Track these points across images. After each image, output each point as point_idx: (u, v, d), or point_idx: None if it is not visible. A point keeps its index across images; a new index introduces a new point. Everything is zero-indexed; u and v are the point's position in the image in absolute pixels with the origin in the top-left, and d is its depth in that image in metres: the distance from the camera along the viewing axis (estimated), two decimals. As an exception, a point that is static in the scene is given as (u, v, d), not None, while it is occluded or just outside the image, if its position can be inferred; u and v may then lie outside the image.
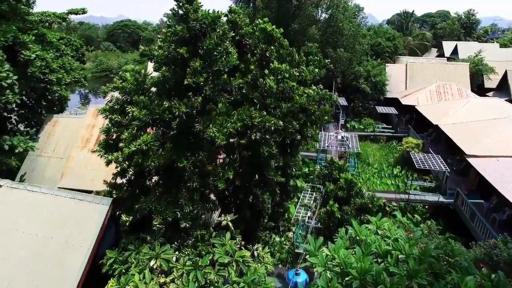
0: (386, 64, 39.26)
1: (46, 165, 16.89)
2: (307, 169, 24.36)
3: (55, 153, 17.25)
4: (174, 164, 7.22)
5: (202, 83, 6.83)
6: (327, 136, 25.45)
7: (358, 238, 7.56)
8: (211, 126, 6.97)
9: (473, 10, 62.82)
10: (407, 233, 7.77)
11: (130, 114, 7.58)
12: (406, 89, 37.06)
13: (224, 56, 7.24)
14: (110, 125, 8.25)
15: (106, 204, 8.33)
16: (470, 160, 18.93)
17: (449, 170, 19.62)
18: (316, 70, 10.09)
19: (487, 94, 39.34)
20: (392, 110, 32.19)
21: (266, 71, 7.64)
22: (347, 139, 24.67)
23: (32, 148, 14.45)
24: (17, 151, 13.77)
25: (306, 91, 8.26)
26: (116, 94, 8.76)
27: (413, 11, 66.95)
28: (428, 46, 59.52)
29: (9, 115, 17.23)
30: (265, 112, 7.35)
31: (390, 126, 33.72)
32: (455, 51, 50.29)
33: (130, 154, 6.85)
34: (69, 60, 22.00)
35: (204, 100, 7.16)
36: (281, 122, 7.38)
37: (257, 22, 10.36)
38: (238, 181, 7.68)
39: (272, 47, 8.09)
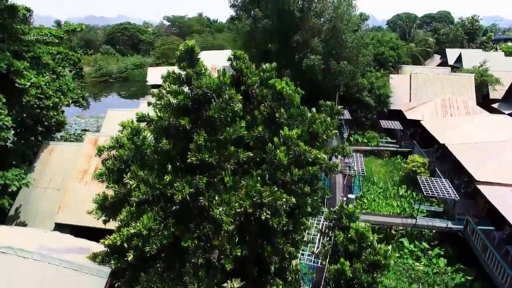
0: (390, 76, 38.63)
1: (41, 197, 16.26)
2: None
3: (52, 184, 16.63)
4: (177, 242, 6.63)
5: (207, 160, 6.22)
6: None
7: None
8: (217, 205, 6.37)
9: (477, 16, 62.21)
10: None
11: (127, 186, 6.99)
12: (410, 101, 36.47)
13: (231, 126, 6.64)
14: (104, 194, 7.71)
15: (104, 277, 7.74)
16: (480, 188, 18.33)
17: (458, 198, 18.99)
18: (328, 119, 9.47)
19: (492, 105, 38.78)
20: (397, 125, 31.58)
21: (276, 140, 7.01)
22: (352, 160, 24.05)
23: (27, 185, 13.83)
24: (10, 190, 13.14)
25: (319, 156, 7.65)
26: (113, 152, 8.17)
27: (415, 16, 66.24)
28: (430, 53, 58.95)
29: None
30: (275, 187, 6.74)
31: (395, 141, 33.09)
32: (459, 60, 49.65)
33: (129, 236, 6.26)
34: (66, 81, 21.33)
35: (209, 176, 6.56)
36: (293, 199, 6.77)
37: (265, 67, 9.75)
38: (245, 251, 7.05)
39: (282, 110, 7.46)
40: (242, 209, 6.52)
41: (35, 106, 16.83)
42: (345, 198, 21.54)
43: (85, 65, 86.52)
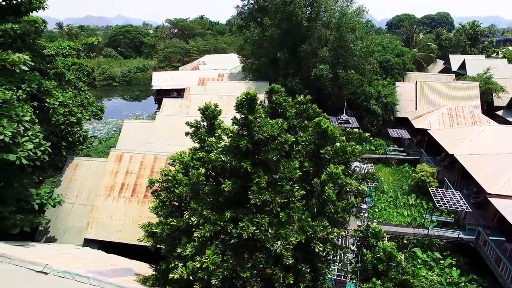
0: (396, 84, 39.23)
1: (69, 212, 16.76)
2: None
3: (78, 199, 17.11)
4: (235, 273, 7.15)
5: (268, 201, 6.74)
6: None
7: None
8: (273, 238, 6.90)
9: (478, 22, 62.93)
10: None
11: (186, 219, 7.49)
12: (416, 109, 37.10)
13: (285, 166, 7.16)
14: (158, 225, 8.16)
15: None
16: (492, 201, 18.91)
17: (470, 210, 19.57)
18: (358, 147, 10.03)
19: (496, 112, 39.46)
20: (404, 134, 32.16)
21: (323, 176, 7.55)
22: (363, 170, 24.58)
23: (60, 203, 14.29)
24: (46, 208, 13.63)
25: (360, 188, 8.21)
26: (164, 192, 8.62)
27: (418, 22, 66.87)
28: (434, 58, 59.56)
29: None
30: (325, 221, 7.28)
31: (402, 149, 33.68)
32: (462, 66, 50.32)
33: (195, 270, 6.77)
34: (86, 95, 21.85)
35: (264, 212, 7.08)
36: (343, 232, 7.31)
37: (300, 100, 10.29)
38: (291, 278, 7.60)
39: (328, 148, 8.00)
40: (296, 242, 7.05)
41: (62, 123, 17.33)
42: (364, 205, 22.05)
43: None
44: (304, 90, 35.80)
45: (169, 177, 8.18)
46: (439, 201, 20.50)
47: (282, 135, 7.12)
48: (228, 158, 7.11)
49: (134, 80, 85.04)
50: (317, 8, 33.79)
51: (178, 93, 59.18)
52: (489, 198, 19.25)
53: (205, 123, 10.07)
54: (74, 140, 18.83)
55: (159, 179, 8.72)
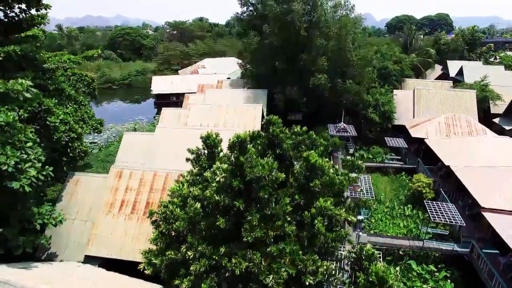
0: (394, 91, 39.55)
1: (70, 228, 17.07)
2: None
3: (79, 215, 17.43)
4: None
5: (260, 237, 7.06)
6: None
7: None
8: (266, 271, 7.20)
9: (477, 27, 63.30)
10: None
11: (183, 253, 7.80)
12: (413, 117, 37.41)
13: (277, 203, 7.48)
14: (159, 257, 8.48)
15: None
16: (486, 215, 19.24)
17: (464, 224, 19.89)
18: (353, 175, 10.34)
19: (493, 119, 39.77)
20: (401, 143, 32.48)
21: (313, 210, 7.88)
22: (359, 182, 24.90)
23: (62, 222, 14.59)
24: (48, 228, 13.93)
25: (349, 218, 8.54)
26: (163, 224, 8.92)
27: (417, 23, 67.15)
28: (432, 63, 59.89)
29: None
30: (315, 255, 7.59)
31: (399, 157, 34.00)
32: (460, 72, 50.66)
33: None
34: (86, 109, 22.16)
35: (256, 247, 7.40)
36: (332, 265, 7.63)
37: (296, 131, 10.60)
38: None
39: (317, 181, 8.32)
40: (288, 276, 7.36)
41: (63, 140, 17.64)
42: (360, 217, 22.34)
43: (88, 72, 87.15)
44: (303, 98, 36.19)
45: (168, 212, 8.49)
46: (434, 214, 20.82)
47: (273, 173, 7.43)
48: (222, 197, 7.43)
49: (134, 84, 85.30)
50: (317, 18, 34.07)
51: (178, 97, 59.55)
52: (483, 213, 19.57)
53: (206, 151, 10.39)
54: (74, 155, 19.14)
55: (158, 210, 9.04)
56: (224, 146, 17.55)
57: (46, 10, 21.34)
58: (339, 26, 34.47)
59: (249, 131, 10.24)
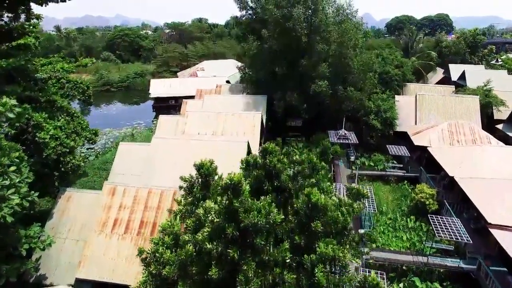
0: (396, 97, 38.87)
1: (61, 248, 16.39)
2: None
3: (71, 234, 16.75)
4: None
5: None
6: (341, 188, 25.04)
7: None
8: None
9: (479, 30, 62.60)
10: None
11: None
12: (416, 123, 36.73)
13: (275, 248, 6.80)
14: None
15: None
16: (494, 232, 18.57)
17: (471, 242, 19.21)
18: (355, 205, 9.67)
19: (496, 126, 39.10)
20: (404, 152, 31.77)
21: (313, 257, 7.19)
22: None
23: (51, 244, 13.89)
24: (35, 253, 13.23)
25: (353, 261, 7.87)
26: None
27: (417, 28, 66.50)
28: (433, 66, 59.20)
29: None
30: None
31: (401, 165, 33.30)
32: (462, 76, 49.96)
33: None
34: (79, 120, 21.44)
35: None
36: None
37: (295, 159, 9.90)
38: None
39: (318, 223, 7.62)
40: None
41: (54, 155, 16.93)
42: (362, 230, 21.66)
43: (86, 74, 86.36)
44: (303, 104, 35.47)
45: (157, 254, 7.79)
46: (438, 229, 20.14)
47: (271, 216, 6.74)
48: (214, 244, 6.73)
49: (132, 86, 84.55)
50: (317, 23, 33.32)
51: (176, 100, 58.88)
52: (491, 229, 18.89)
53: (200, 179, 9.71)
54: (66, 170, 18.43)
55: (149, 250, 8.35)
56: (221, 157, 16.84)
57: (38, 20, 20.68)
58: (340, 32, 33.74)
59: (243, 166, 9.60)
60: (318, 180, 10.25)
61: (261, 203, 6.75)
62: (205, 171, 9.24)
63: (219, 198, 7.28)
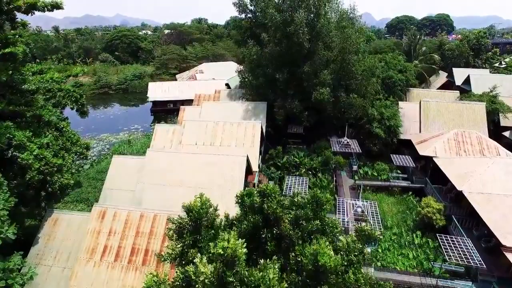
0: (399, 104, 37.74)
1: (46, 276, 15.30)
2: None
3: (57, 261, 15.65)
4: None
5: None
6: (345, 204, 23.98)
7: None
8: None
9: (482, 33, 61.38)
10: None
11: None
12: (420, 131, 35.61)
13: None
14: None
15: None
16: (509, 256, 17.47)
17: (485, 266, 18.12)
18: (367, 249, 8.60)
19: (503, 133, 38.03)
20: (408, 162, 30.67)
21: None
22: (366, 210, 23.17)
23: (32, 277, 12.78)
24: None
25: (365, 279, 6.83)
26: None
27: (418, 28, 65.32)
28: (436, 70, 58.04)
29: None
30: None
31: (406, 175, 32.17)
32: (467, 81, 48.80)
33: None
34: (69, 134, 20.32)
35: None
36: None
37: (296, 200, 8.82)
38: None
39: (326, 287, 6.55)
40: None
41: (39, 176, 15.81)
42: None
43: (84, 76, 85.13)
44: (304, 112, 34.34)
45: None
46: (448, 251, 19.07)
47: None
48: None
49: (131, 88, 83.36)
50: (319, 29, 32.15)
51: (175, 104, 57.78)
52: (505, 253, 17.81)
53: (190, 223, 8.62)
54: (54, 190, 17.30)
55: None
56: (217, 175, 15.67)
57: (24, 27, 19.60)
58: (343, 37, 32.59)
59: (238, 201, 8.50)
60: (322, 218, 9.16)
61: (261, 274, 5.66)
62: (195, 214, 8.17)
63: (211, 266, 6.17)
